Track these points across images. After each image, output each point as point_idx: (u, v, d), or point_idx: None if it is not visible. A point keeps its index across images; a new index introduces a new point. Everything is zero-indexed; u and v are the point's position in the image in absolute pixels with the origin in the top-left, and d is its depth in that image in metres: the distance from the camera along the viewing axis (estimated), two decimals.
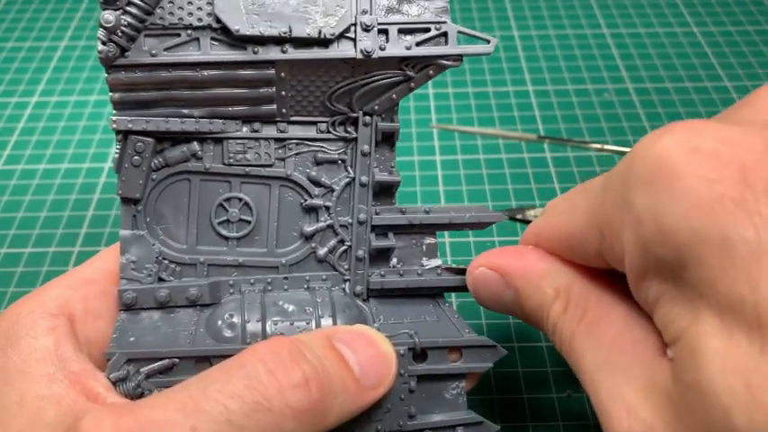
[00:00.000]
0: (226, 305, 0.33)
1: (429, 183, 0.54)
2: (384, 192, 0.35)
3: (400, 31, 0.33)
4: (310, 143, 0.34)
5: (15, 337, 0.28)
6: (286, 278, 0.34)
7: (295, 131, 0.34)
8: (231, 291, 0.34)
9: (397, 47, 0.32)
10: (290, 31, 0.32)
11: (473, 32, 0.33)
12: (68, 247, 0.50)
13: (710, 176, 0.21)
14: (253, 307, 0.32)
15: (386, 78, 0.33)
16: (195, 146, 0.33)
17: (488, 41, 0.33)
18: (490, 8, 0.75)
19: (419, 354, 0.31)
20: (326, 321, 0.32)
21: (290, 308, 0.32)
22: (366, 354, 0.28)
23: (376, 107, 0.34)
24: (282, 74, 0.33)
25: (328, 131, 0.34)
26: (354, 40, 0.32)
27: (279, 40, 0.32)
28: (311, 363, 0.26)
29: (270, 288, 0.34)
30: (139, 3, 0.31)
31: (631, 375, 0.24)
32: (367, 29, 0.32)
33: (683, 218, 0.21)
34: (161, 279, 0.33)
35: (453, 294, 0.46)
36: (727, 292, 0.20)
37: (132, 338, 0.31)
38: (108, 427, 0.22)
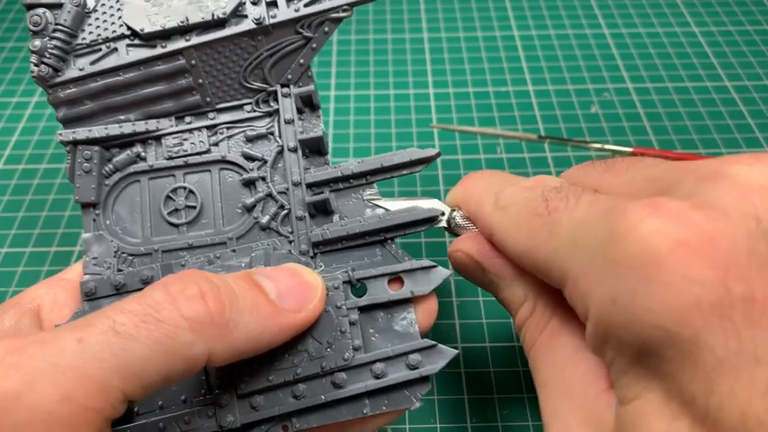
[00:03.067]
0: None
1: (429, 183, 0.54)
2: (315, 153, 0.37)
3: (288, 0, 0.36)
4: (239, 124, 0.38)
5: None
6: (234, 250, 0.35)
7: (224, 117, 0.38)
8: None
9: (287, 12, 0.36)
10: (187, 20, 0.35)
11: None
12: (68, 247, 0.51)
13: (693, 277, 0.20)
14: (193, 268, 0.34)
15: (288, 45, 0.36)
16: (138, 147, 0.37)
17: None
18: (490, 8, 0.75)
19: (359, 291, 0.32)
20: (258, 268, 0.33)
21: (227, 265, 0.34)
22: (287, 282, 0.29)
23: (289, 77, 0.37)
24: (192, 61, 0.36)
25: (254, 111, 0.38)
26: (246, 15, 0.36)
27: (181, 31, 0.36)
28: (212, 282, 0.26)
29: (219, 262, 0.35)
30: (62, 29, 0.36)
31: (576, 404, 0.25)
32: (255, 2, 0.36)
33: (657, 315, 0.21)
34: (120, 271, 0.35)
35: (453, 295, 0.46)
36: (681, 387, 0.20)
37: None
38: (0, 348, 0.23)
